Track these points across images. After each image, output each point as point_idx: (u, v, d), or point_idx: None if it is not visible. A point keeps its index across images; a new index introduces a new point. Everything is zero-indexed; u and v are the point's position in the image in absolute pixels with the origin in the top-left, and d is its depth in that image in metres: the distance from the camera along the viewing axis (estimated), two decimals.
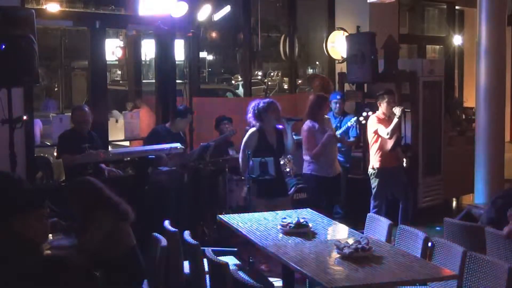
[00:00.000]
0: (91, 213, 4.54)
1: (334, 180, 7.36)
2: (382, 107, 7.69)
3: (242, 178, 7.19)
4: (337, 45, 9.83)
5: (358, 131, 8.11)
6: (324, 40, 10.08)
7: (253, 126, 6.70)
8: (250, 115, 6.67)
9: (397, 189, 7.74)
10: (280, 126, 6.78)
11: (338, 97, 8.41)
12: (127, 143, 8.59)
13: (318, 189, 7.27)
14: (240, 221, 5.52)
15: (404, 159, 7.69)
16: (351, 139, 8.10)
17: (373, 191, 7.68)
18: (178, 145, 7.06)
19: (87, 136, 6.80)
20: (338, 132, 7.68)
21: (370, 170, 7.72)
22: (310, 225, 5.18)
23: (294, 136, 6.80)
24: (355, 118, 7.85)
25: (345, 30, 9.94)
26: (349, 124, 7.86)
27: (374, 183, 7.67)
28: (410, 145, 8.72)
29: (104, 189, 4.69)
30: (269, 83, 19.93)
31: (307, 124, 7.24)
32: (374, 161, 7.67)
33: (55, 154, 8.46)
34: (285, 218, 5.28)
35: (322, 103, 7.32)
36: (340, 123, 8.18)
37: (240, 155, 6.68)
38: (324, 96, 7.63)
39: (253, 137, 6.61)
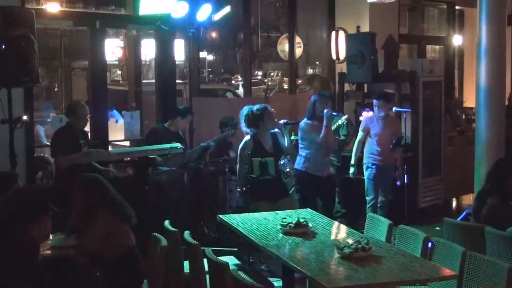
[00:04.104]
0: (93, 212, 4.53)
1: (327, 180, 7.38)
2: (374, 109, 7.78)
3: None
4: None
5: (348, 130, 8.18)
6: (334, 39, 10.01)
7: (246, 133, 6.67)
8: (243, 123, 6.63)
9: (383, 187, 7.78)
10: (275, 130, 6.78)
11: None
12: (127, 143, 8.58)
13: (310, 187, 7.27)
14: (240, 221, 5.52)
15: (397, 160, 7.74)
16: (342, 137, 8.13)
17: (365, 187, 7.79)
18: (178, 145, 7.06)
19: (81, 132, 6.73)
20: None
21: (364, 166, 7.82)
22: (310, 225, 5.18)
23: (292, 137, 6.84)
24: (346, 116, 7.89)
25: (345, 30, 9.94)
26: (340, 122, 7.87)
27: (365, 179, 7.79)
28: (410, 145, 8.72)
29: (109, 188, 4.68)
30: (269, 83, 19.92)
31: (305, 122, 7.26)
32: (365, 158, 7.79)
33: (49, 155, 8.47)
34: (285, 218, 5.28)
35: (320, 101, 7.33)
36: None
37: (238, 161, 6.66)
38: (323, 94, 7.65)
39: (248, 146, 6.59)
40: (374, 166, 7.73)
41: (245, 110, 6.68)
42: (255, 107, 6.65)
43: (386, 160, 7.73)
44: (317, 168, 7.26)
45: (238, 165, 6.68)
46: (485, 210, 5.51)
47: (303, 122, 7.29)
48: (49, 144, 8.25)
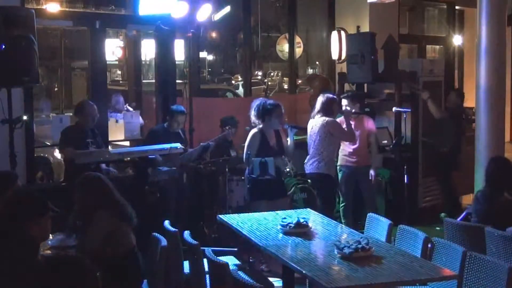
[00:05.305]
0: (93, 212, 4.53)
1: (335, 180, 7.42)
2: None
3: (242, 178, 7.19)
4: None
5: None
6: (337, 39, 9.97)
7: (253, 123, 6.70)
8: (253, 112, 6.65)
9: (365, 191, 7.76)
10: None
11: None
12: (127, 143, 8.58)
13: (332, 189, 7.29)
14: (240, 221, 5.52)
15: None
16: None
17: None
18: (178, 145, 7.06)
19: (90, 132, 6.79)
20: None
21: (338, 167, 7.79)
22: (310, 225, 5.18)
23: (294, 137, 6.84)
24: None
25: (345, 30, 9.94)
26: None
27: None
28: (409, 145, 8.71)
29: (111, 188, 4.68)
30: (269, 83, 19.93)
31: (332, 119, 7.19)
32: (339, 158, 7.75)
33: (56, 152, 8.49)
34: (285, 218, 5.28)
35: (332, 104, 7.28)
36: None
37: (244, 157, 6.68)
38: (334, 97, 7.61)
39: (255, 139, 6.60)
40: (344, 168, 7.66)
41: (258, 100, 6.76)
42: (269, 101, 6.72)
43: (361, 162, 7.63)
44: (333, 168, 7.30)
45: (245, 156, 6.65)
46: (498, 208, 5.49)
47: (332, 120, 7.17)
48: (46, 144, 8.29)
